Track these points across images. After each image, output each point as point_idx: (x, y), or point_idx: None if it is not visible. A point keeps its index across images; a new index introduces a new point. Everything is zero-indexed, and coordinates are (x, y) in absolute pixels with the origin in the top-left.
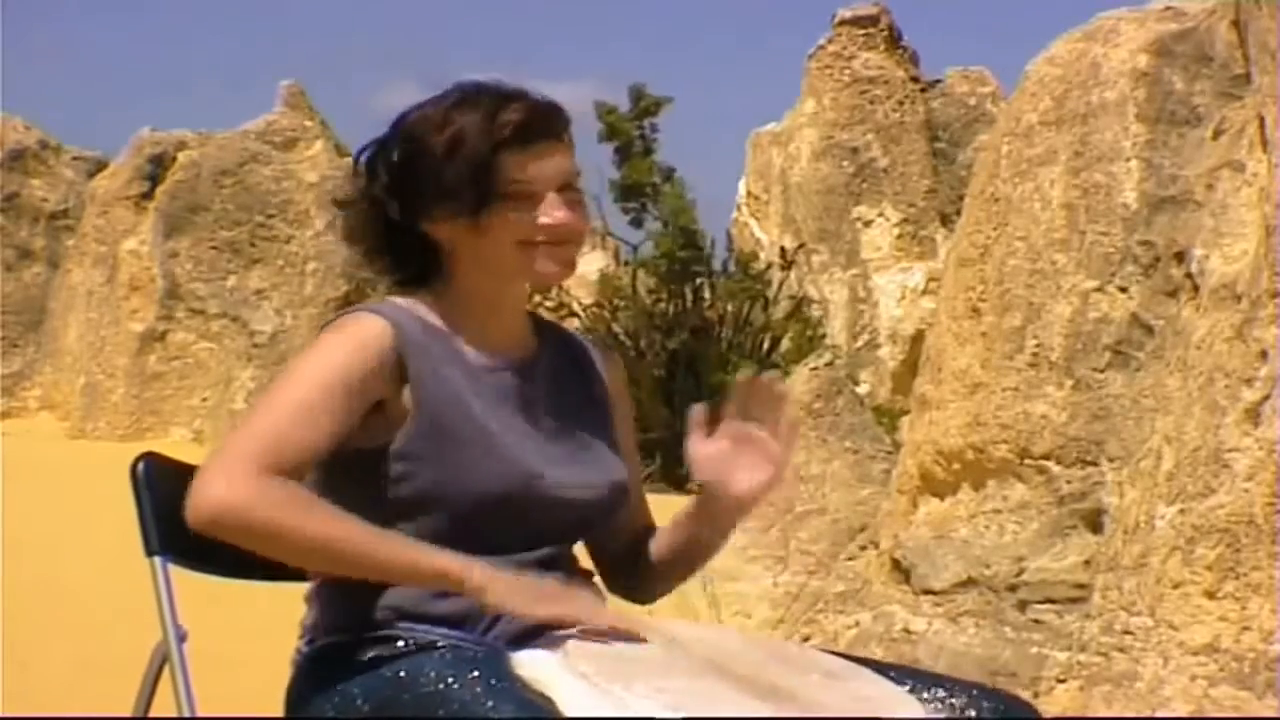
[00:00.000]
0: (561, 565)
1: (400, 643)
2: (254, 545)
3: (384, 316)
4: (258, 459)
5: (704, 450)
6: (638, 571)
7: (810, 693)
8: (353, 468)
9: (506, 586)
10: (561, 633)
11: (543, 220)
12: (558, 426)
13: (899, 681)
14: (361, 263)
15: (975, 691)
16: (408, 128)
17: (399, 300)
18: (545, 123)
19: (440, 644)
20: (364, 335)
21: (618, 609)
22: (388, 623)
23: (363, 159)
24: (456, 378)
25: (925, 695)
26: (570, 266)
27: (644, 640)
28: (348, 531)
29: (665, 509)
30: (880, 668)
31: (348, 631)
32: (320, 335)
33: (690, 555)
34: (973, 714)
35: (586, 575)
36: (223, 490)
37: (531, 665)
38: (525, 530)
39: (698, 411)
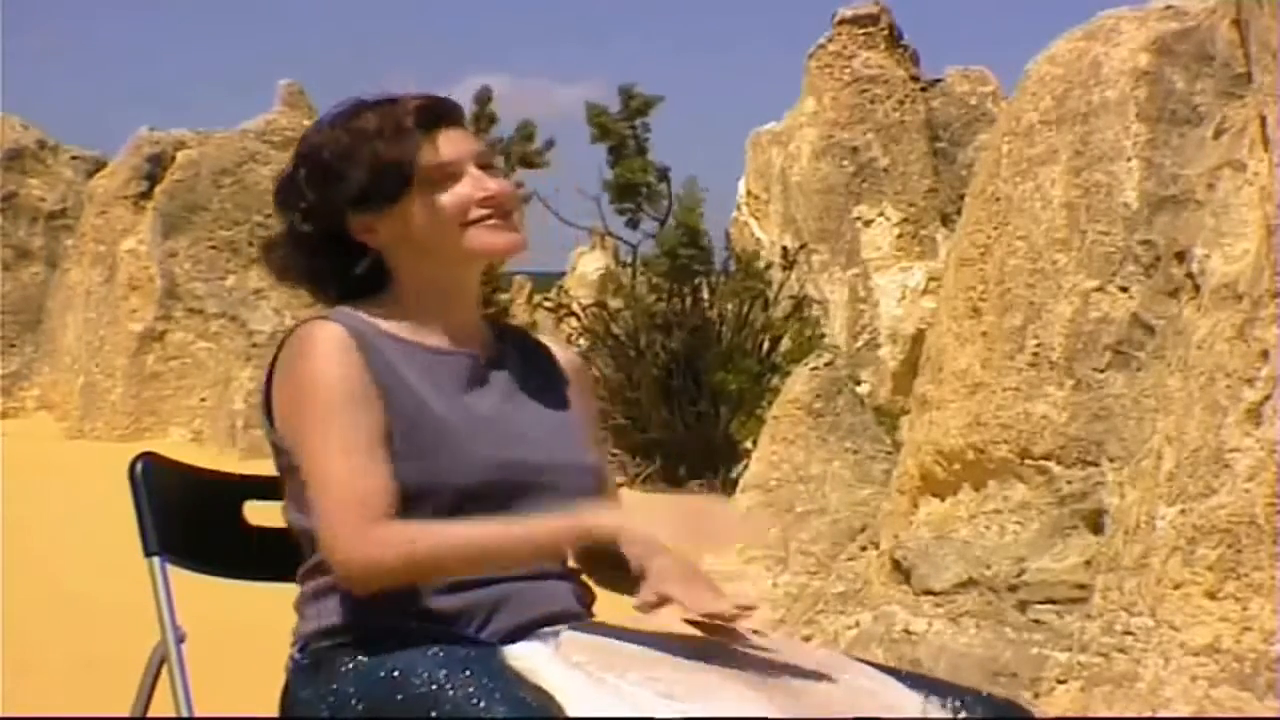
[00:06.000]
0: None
1: (393, 642)
2: (412, 578)
3: (336, 322)
4: (361, 514)
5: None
6: (616, 565)
7: (804, 684)
8: None
9: (633, 515)
10: (554, 628)
11: (479, 194)
12: (521, 413)
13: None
14: (308, 290)
15: (969, 697)
16: (309, 149)
17: (344, 309)
18: (442, 109)
19: (434, 643)
20: (336, 343)
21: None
22: (381, 623)
23: (279, 196)
24: (414, 377)
25: (920, 698)
26: (519, 234)
27: (644, 627)
28: (477, 534)
29: None
30: (875, 670)
31: (340, 634)
32: (291, 361)
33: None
34: (966, 717)
35: (571, 570)
36: (358, 556)
37: (525, 657)
38: (511, 516)
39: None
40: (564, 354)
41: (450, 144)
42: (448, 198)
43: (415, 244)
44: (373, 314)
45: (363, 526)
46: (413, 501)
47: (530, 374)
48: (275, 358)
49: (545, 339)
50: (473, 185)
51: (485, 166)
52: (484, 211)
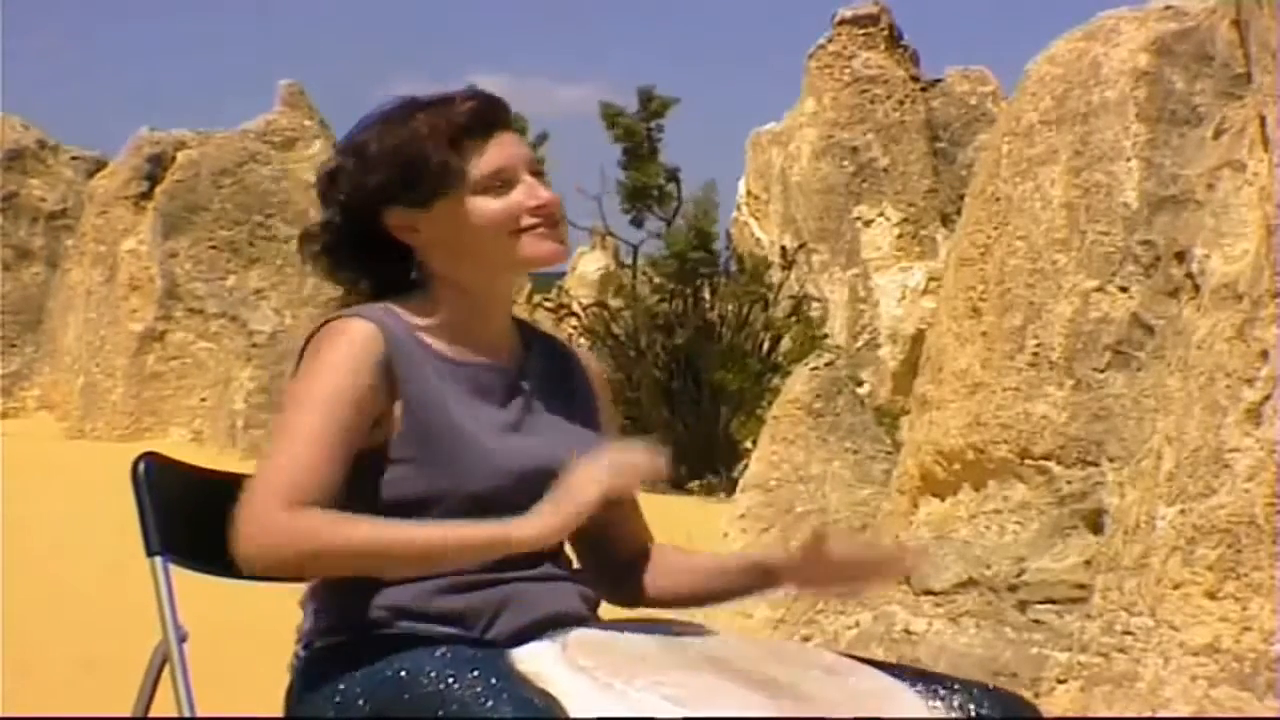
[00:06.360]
0: (555, 559)
1: (400, 642)
2: (309, 573)
3: (371, 320)
4: (287, 497)
5: (804, 559)
6: (632, 581)
7: (810, 687)
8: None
9: (546, 520)
10: (561, 630)
11: (531, 203)
12: (544, 423)
13: (898, 679)
14: (335, 283)
15: (976, 690)
16: (357, 144)
17: (382, 306)
18: (497, 113)
19: (440, 643)
20: (359, 344)
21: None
22: (386, 622)
23: (321, 187)
24: (440, 380)
25: (928, 696)
26: (565, 245)
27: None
28: (387, 532)
29: (665, 509)
30: (880, 666)
31: (345, 633)
32: (313, 350)
33: (710, 598)
34: (973, 712)
35: (576, 572)
36: (264, 538)
37: (532, 660)
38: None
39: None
40: (589, 362)
41: (505, 149)
42: (500, 204)
43: (458, 247)
44: (406, 312)
45: (274, 512)
46: (423, 506)
47: (555, 384)
48: (304, 347)
49: (569, 344)
50: (525, 193)
51: (536, 173)
52: (534, 220)
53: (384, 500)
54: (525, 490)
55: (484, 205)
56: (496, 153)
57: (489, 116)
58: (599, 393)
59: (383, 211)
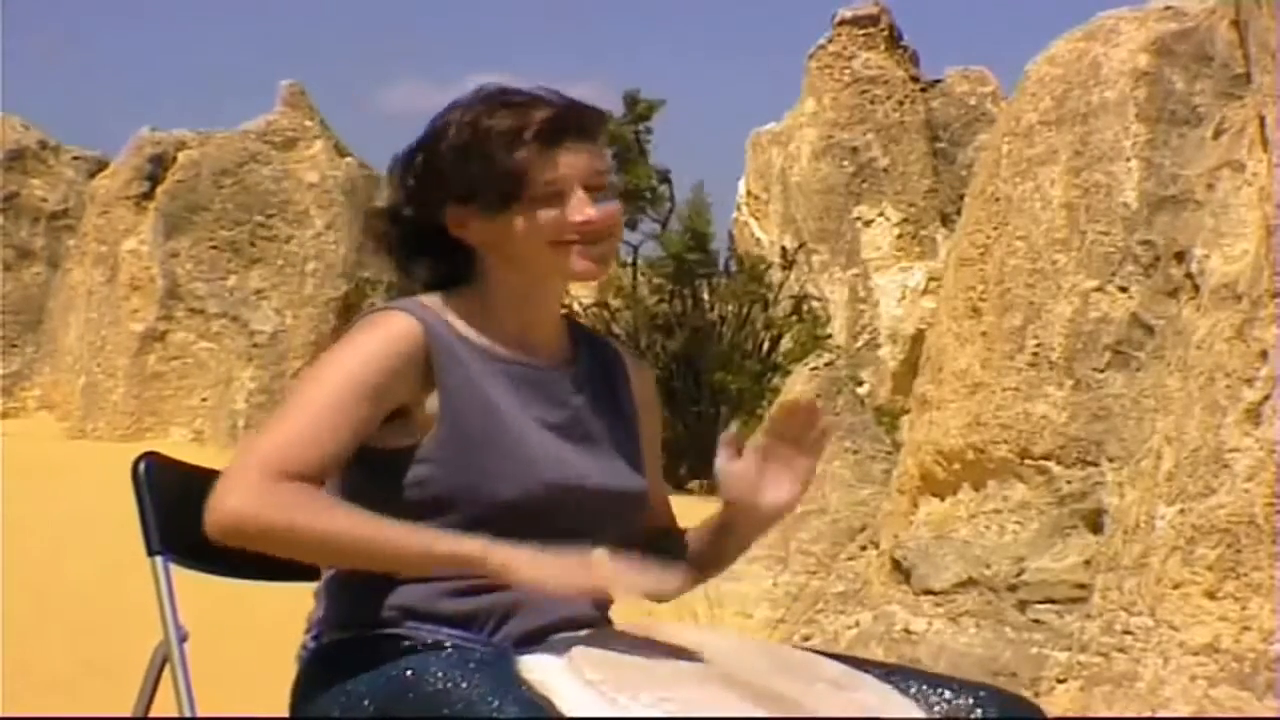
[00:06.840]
0: None
1: (407, 642)
2: (269, 548)
3: (414, 315)
4: (271, 465)
5: (731, 468)
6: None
7: (814, 702)
8: (372, 467)
9: (532, 563)
10: (567, 636)
11: (574, 219)
12: (583, 432)
13: (904, 683)
14: (393, 269)
15: (982, 693)
16: (435, 132)
17: (427, 299)
18: (572, 122)
19: (447, 644)
20: (393, 337)
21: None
22: (395, 621)
23: (393, 168)
24: (482, 380)
25: (932, 697)
26: (605, 263)
27: (658, 638)
28: (359, 524)
29: None
30: (886, 670)
31: (354, 628)
32: (350, 334)
33: (707, 565)
34: (978, 715)
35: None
36: (235, 500)
37: (538, 670)
38: (541, 534)
39: (729, 434)
40: (636, 368)
41: (565, 163)
42: (545, 217)
43: (505, 250)
44: (454, 310)
45: (255, 477)
46: (444, 509)
47: (598, 392)
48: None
49: (620, 348)
50: (572, 209)
51: (595, 188)
52: (574, 236)
53: (402, 502)
54: (552, 500)
55: (532, 215)
56: (555, 166)
57: (559, 127)
58: (642, 406)
59: (442, 207)
